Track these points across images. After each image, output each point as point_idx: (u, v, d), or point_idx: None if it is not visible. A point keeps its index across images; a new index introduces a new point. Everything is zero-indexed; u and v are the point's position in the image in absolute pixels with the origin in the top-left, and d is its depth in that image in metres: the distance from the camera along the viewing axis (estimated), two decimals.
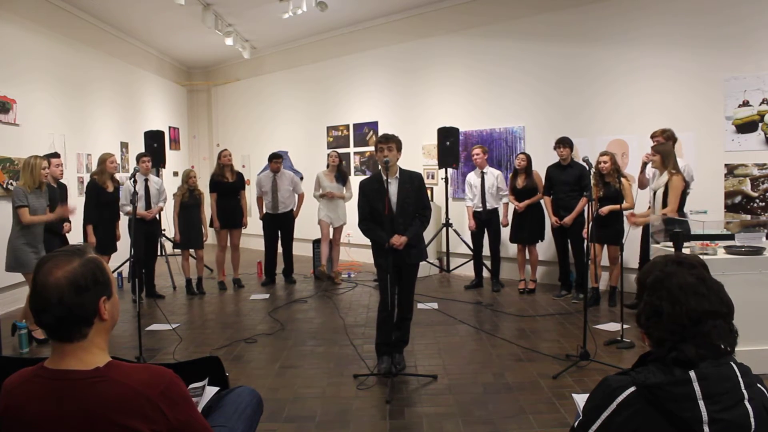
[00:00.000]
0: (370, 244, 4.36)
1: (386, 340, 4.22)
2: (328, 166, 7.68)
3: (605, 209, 5.78)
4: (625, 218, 5.83)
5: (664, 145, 5.12)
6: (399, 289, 4.18)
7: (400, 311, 4.25)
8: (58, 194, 5.58)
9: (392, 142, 4.21)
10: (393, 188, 4.17)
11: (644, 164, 5.66)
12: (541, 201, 6.65)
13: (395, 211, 4.14)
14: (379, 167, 4.31)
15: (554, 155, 6.48)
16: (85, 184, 7.08)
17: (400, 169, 4.28)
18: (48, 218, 5.16)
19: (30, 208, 5.00)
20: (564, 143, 6.33)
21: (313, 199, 7.68)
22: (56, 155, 5.71)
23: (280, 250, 7.79)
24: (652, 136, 5.55)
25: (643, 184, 5.69)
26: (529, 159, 6.70)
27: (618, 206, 5.74)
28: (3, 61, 6.53)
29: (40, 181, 5.11)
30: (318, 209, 7.61)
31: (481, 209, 6.97)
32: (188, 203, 6.99)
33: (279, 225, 7.65)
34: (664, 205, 4.94)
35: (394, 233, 4.07)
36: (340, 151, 9.64)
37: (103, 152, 6.50)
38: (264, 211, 7.66)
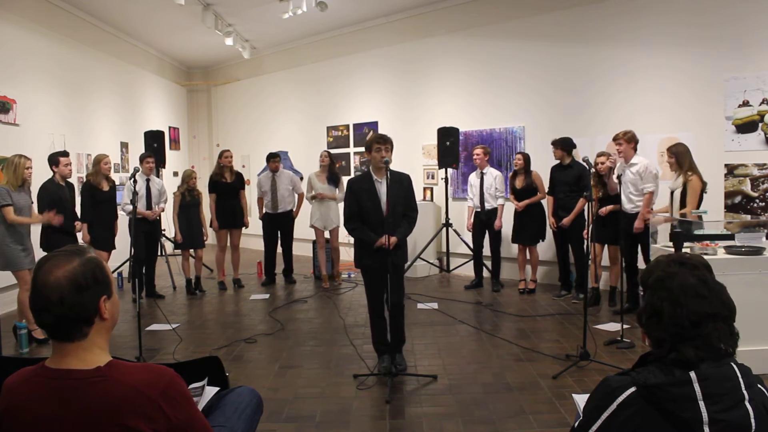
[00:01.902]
0: (356, 247, 4.33)
1: (382, 339, 4.24)
2: (320, 167, 7.56)
3: (605, 210, 5.79)
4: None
5: (678, 146, 5.15)
6: (390, 291, 4.13)
7: (391, 312, 4.22)
8: (67, 193, 5.58)
9: (389, 142, 4.22)
10: (383, 189, 4.15)
11: (610, 169, 5.69)
12: (543, 201, 6.66)
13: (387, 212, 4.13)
14: (370, 167, 4.31)
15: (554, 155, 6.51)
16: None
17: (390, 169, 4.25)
18: (33, 221, 5.12)
19: (15, 207, 4.98)
20: (554, 145, 6.37)
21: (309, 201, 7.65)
22: (65, 154, 5.68)
23: (279, 250, 7.79)
24: (614, 139, 5.60)
25: (612, 189, 5.71)
26: (526, 159, 6.71)
27: (618, 206, 5.74)
28: (3, 61, 6.53)
29: (24, 179, 5.09)
30: (310, 214, 7.50)
31: (480, 209, 6.99)
32: (187, 203, 6.99)
33: (278, 225, 7.64)
34: (682, 205, 4.96)
35: (384, 233, 4.04)
36: (341, 151, 9.65)
37: (98, 153, 6.51)
38: (264, 211, 7.66)
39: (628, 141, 5.49)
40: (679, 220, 4.55)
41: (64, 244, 4.90)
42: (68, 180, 5.67)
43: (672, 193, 5.19)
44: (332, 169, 7.51)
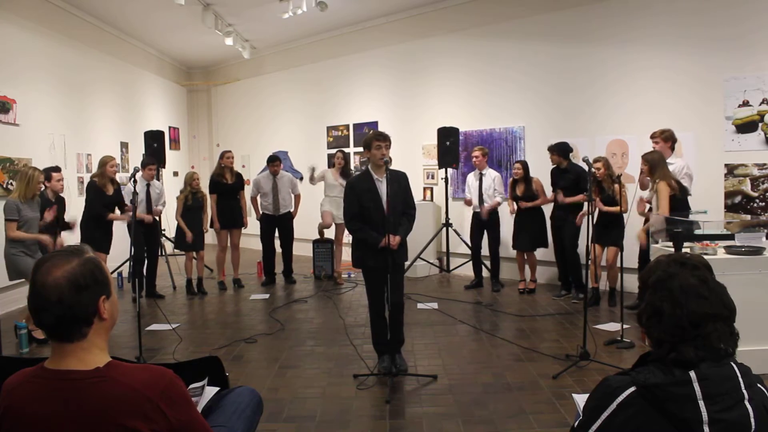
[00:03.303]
0: (356, 247, 4.32)
1: (382, 339, 4.24)
2: (333, 165, 7.65)
3: (605, 207, 5.77)
4: (624, 220, 5.83)
5: (653, 153, 5.12)
6: (391, 290, 4.13)
7: (393, 311, 4.21)
8: (56, 209, 5.55)
9: (388, 140, 4.21)
10: (383, 187, 4.14)
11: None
12: (543, 207, 6.68)
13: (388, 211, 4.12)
14: (369, 166, 4.29)
15: None
16: (85, 184, 7.08)
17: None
18: (33, 237, 5.07)
19: (21, 221, 4.99)
20: (550, 151, 6.36)
21: (313, 200, 7.66)
22: (57, 169, 5.67)
23: (279, 250, 7.79)
24: (652, 137, 5.55)
25: (644, 186, 5.69)
26: (525, 167, 6.70)
27: (618, 208, 5.74)
28: (3, 61, 6.53)
29: (34, 193, 5.09)
30: (321, 203, 7.61)
31: (479, 210, 6.98)
32: (191, 206, 6.98)
33: (277, 225, 7.66)
34: None
35: (386, 233, 4.02)
36: None
37: (104, 155, 6.49)
38: (261, 212, 7.67)
39: (665, 140, 5.41)
40: (666, 219, 4.54)
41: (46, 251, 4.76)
42: (60, 195, 5.64)
43: (649, 203, 5.18)
44: (346, 169, 7.61)
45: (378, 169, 4.20)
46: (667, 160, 5.45)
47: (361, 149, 9.57)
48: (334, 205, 7.49)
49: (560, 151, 6.32)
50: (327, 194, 7.59)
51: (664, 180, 4.93)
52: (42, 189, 5.24)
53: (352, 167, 9.54)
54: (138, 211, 6.43)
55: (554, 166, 6.45)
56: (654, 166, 5.00)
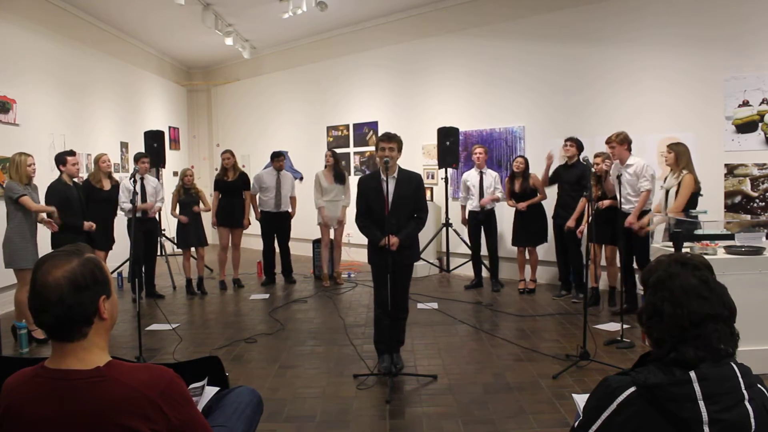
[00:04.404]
0: (367, 243, 4.35)
1: (383, 338, 4.24)
2: (326, 167, 7.67)
3: (603, 203, 5.77)
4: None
5: (678, 144, 5.15)
6: (393, 289, 4.13)
7: (394, 311, 4.20)
8: (75, 192, 5.61)
9: (394, 141, 4.20)
10: (390, 187, 4.15)
11: (606, 172, 5.70)
12: (542, 203, 6.67)
13: (389, 211, 4.12)
14: (379, 166, 4.31)
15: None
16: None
17: (400, 168, 4.27)
18: (48, 209, 5.21)
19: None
20: (572, 140, 6.30)
21: (311, 200, 7.65)
22: (72, 153, 5.70)
23: (277, 250, 7.80)
24: (607, 142, 5.58)
25: (610, 191, 5.70)
26: (527, 162, 6.71)
27: (614, 201, 5.72)
28: (3, 61, 6.53)
29: (28, 177, 5.11)
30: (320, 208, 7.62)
31: (478, 210, 6.98)
32: (185, 201, 7.00)
33: (276, 225, 7.66)
34: None
35: (386, 232, 4.04)
36: (341, 151, 9.64)
37: (98, 153, 6.53)
38: (260, 210, 7.67)
39: (621, 143, 5.47)
40: (677, 220, 4.54)
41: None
42: (75, 180, 5.68)
43: (667, 192, 5.17)
44: (338, 168, 7.58)
45: (387, 170, 4.21)
46: (627, 162, 5.47)
47: (361, 149, 9.66)
48: (331, 209, 7.47)
49: (579, 143, 6.31)
50: (324, 198, 7.53)
51: (691, 174, 4.96)
52: (33, 172, 5.20)
53: (352, 167, 9.57)
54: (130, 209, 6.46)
55: (562, 163, 6.44)
56: (680, 155, 5.01)
